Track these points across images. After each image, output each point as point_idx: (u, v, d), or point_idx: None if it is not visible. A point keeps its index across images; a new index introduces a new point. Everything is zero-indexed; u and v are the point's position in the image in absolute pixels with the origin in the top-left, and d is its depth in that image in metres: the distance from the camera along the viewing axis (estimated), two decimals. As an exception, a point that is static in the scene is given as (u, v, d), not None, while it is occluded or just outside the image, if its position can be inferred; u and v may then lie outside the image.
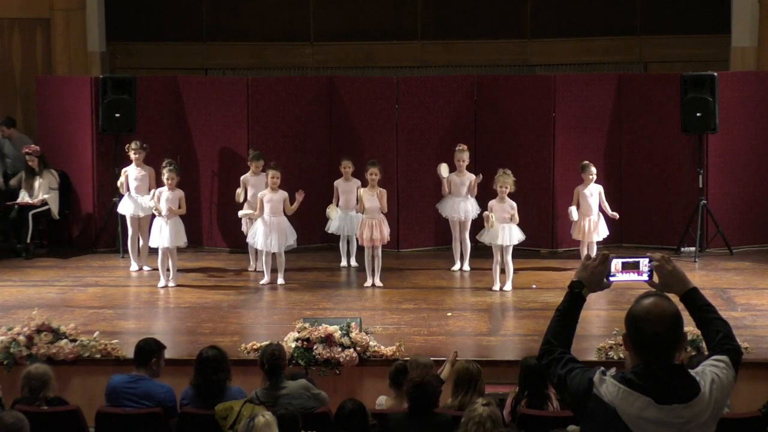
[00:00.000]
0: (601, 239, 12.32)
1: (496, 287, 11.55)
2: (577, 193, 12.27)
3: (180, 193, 11.92)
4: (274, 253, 11.92)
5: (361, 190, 11.87)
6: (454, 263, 12.61)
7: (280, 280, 11.94)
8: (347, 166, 12.48)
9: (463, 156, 12.47)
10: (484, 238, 11.61)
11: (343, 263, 12.82)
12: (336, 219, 12.53)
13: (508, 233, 11.49)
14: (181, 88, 14.00)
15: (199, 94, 13.94)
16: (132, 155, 12.55)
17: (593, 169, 12.20)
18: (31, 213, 13.40)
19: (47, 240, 13.99)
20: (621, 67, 15.62)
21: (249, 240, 12.11)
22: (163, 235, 11.77)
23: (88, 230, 13.92)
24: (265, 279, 11.96)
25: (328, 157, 13.67)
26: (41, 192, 13.50)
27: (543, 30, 16.11)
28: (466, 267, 12.55)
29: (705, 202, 13.07)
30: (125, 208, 12.55)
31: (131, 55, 16.31)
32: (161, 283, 11.85)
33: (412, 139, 13.68)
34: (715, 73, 13.03)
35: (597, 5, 16.08)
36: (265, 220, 11.82)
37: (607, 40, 15.99)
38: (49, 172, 13.56)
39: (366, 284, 11.81)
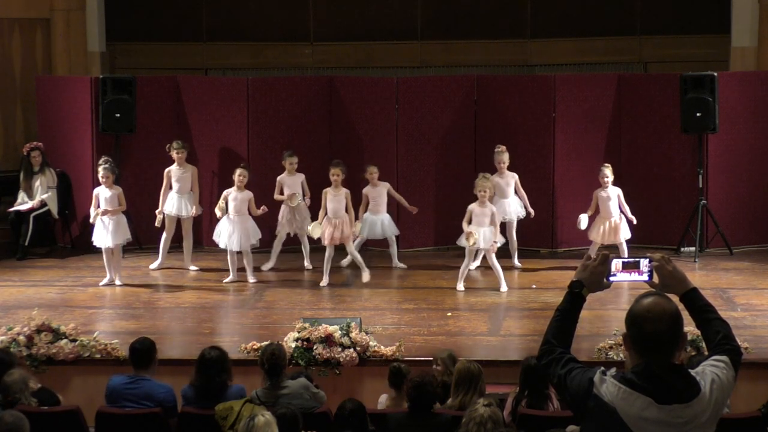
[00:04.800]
0: (622, 242, 12.25)
1: (460, 287, 11.54)
2: (595, 197, 12.26)
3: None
4: (240, 252, 12.01)
5: (326, 190, 11.90)
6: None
7: (251, 279, 12.00)
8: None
9: (503, 157, 12.50)
10: (462, 242, 11.60)
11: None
12: (365, 225, 12.55)
13: (489, 236, 11.48)
14: (181, 88, 14.00)
15: (199, 94, 13.94)
16: (174, 155, 12.58)
17: (607, 172, 12.17)
18: (32, 215, 13.43)
19: (47, 240, 14.01)
20: (621, 67, 15.63)
21: (214, 238, 12.23)
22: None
23: (88, 230, 13.89)
24: (230, 277, 12.04)
25: (328, 158, 13.64)
26: (40, 192, 13.52)
27: (543, 30, 16.11)
28: (517, 263, 12.62)
29: (705, 202, 13.07)
30: (168, 207, 12.58)
31: (131, 55, 16.31)
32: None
33: (412, 139, 13.68)
34: (715, 73, 13.03)
35: (597, 5, 16.08)
36: (229, 218, 11.95)
37: (607, 40, 15.99)
38: (48, 170, 13.59)
39: (321, 284, 11.80)
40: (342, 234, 11.76)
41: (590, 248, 12.21)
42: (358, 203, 12.49)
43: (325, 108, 13.94)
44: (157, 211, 12.53)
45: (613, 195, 12.18)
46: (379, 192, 12.59)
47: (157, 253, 12.74)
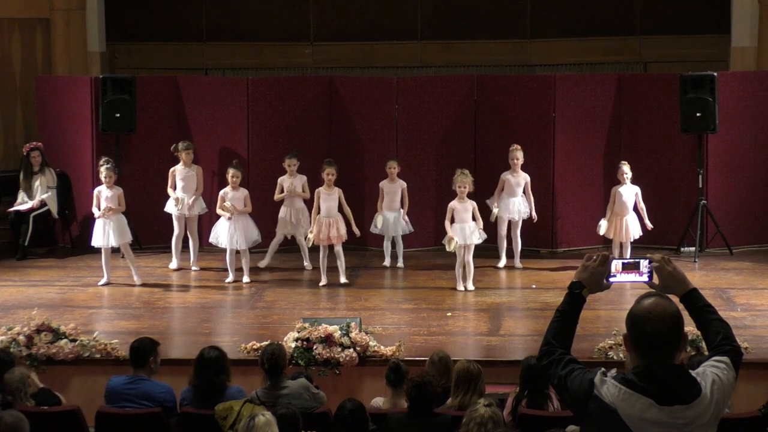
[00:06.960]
0: (633, 240, 12.30)
1: (460, 287, 11.54)
2: (613, 194, 12.31)
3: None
4: (238, 252, 12.02)
5: (318, 189, 11.90)
6: (500, 260, 12.68)
7: (247, 278, 11.99)
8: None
9: (518, 155, 12.54)
10: (446, 244, 11.59)
11: (387, 263, 12.82)
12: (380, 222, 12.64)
13: (471, 233, 11.48)
14: (181, 88, 14.01)
15: (199, 94, 13.95)
16: (183, 155, 12.58)
17: (625, 169, 12.25)
18: (32, 215, 13.45)
19: (47, 240, 14.01)
20: (621, 67, 15.63)
21: (211, 240, 12.20)
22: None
23: (88, 230, 13.90)
24: (230, 277, 12.03)
25: (329, 158, 13.66)
26: (40, 192, 13.53)
27: (543, 30, 16.11)
28: (518, 264, 12.64)
29: (705, 202, 13.07)
30: (172, 207, 12.59)
31: (131, 55, 16.32)
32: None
33: (412, 139, 13.69)
34: (715, 73, 13.03)
35: (597, 5, 16.08)
36: (227, 218, 11.97)
37: (607, 40, 15.99)
38: (48, 170, 13.60)
39: (321, 284, 11.80)
40: (338, 233, 11.75)
41: (612, 247, 12.26)
42: (352, 202, 12.51)
43: (325, 108, 13.94)
44: (172, 196, 12.54)
45: (631, 192, 12.24)
46: (395, 189, 12.63)
47: (170, 253, 12.74)
